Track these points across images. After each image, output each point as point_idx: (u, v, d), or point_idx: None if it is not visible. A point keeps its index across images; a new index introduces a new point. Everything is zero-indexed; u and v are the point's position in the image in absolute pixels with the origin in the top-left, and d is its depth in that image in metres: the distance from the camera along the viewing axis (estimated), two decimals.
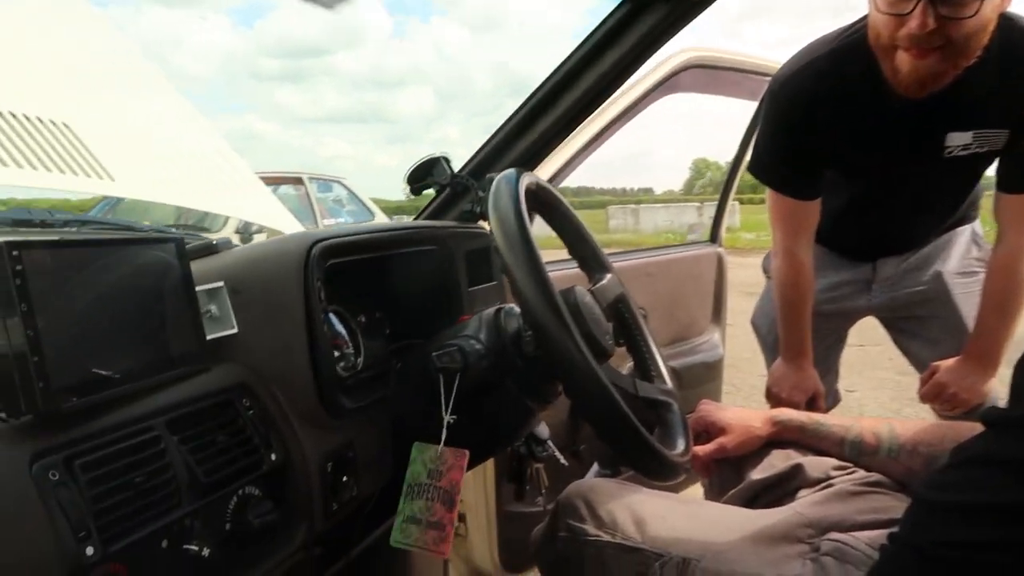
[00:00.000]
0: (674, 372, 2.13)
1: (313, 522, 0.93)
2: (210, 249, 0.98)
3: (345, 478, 0.99)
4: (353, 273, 1.21)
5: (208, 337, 0.89)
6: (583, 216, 1.23)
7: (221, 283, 0.92)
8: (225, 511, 0.81)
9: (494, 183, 0.99)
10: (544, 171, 1.78)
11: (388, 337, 1.31)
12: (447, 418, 0.99)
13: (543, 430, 1.27)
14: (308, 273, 0.93)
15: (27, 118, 1.19)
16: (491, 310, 1.10)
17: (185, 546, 0.74)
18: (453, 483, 1.01)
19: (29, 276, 0.65)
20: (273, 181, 7.49)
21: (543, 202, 1.13)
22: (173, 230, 1.19)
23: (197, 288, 0.90)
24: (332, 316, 1.22)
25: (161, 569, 0.73)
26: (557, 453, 1.28)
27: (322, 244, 0.96)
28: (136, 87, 1.62)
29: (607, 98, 1.37)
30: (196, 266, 0.97)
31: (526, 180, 1.03)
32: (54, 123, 1.24)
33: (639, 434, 0.89)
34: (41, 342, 0.65)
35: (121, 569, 0.68)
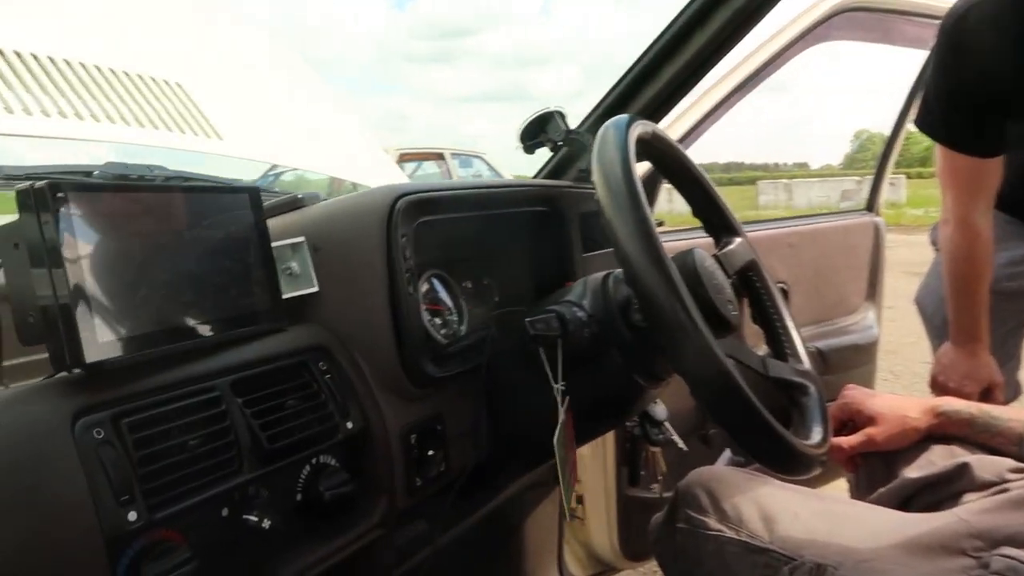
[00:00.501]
0: (819, 354, 1.93)
1: (394, 497, 0.86)
2: (295, 203, 0.93)
3: (431, 452, 0.91)
4: (458, 236, 1.14)
5: (286, 295, 0.84)
6: (731, 192, 1.10)
7: (302, 238, 0.86)
8: (296, 481, 0.76)
9: (601, 130, 0.88)
10: (674, 131, 1.63)
11: (496, 304, 1.23)
12: (557, 386, 0.89)
13: (660, 411, 1.15)
14: (391, 229, 0.86)
15: (140, 76, 1.20)
16: (599, 275, 0.99)
17: (244, 516, 0.69)
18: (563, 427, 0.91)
19: (76, 221, 0.61)
20: (417, 157, 7.66)
21: (660, 153, 1.00)
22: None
23: (277, 243, 0.85)
24: (435, 280, 1.15)
25: (223, 539, 0.68)
26: (675, 437, 1.16)
27: (408, 198, 0.88)
28: (257, 54, 1.62)
29: (740, 38, 1.21)
30: (280, 221, 0.92)
31: (639, 128, 0.90)
32: (167, 82, 1.24)
33: (761, 418, 0.76)
34: (87, 292, 0.61)
35: (175, 536, 0.64)
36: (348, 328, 0.86)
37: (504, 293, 1.25)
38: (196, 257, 0.72)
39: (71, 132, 1.00)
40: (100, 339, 0.62)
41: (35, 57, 1.05)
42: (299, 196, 0.93)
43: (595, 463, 1.62)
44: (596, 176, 0.82)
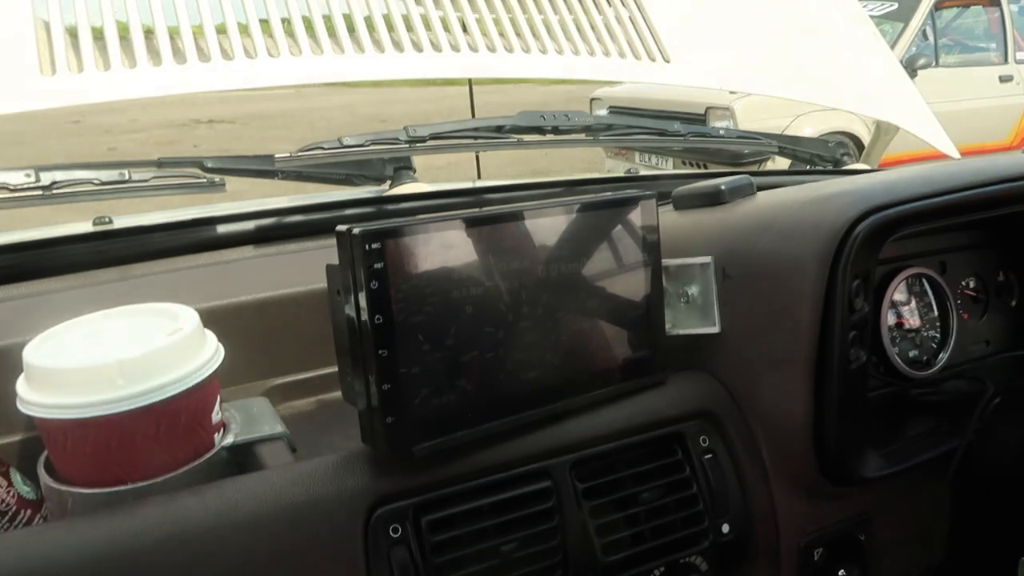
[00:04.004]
0: None
1: None
2: (714, 197, 0.68)
3: (842, 572, 0.66)
4: None
5: (674, 331, 0.64)
6: None
7: (709, 259, 0.64)
8: None
9: None
10: None
11: (1012, 316, 0.86)
12: None
13: None
14: (838, 270, 0.58)
15: None
16: None
17: None
18: None
19: (394, 272, 0.49)
20: (958, 2, 6.26)
21: None
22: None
23: (674, 261, 0.64)
24: (924, 281, 0.83)
25: None
26: None
27: (876, 219, 0.58)
28: None
29: None
30: (686, 219, 0.70)
31: None
32: None
33: None
34: (398, 363, 0.49)
35: None
36: (749, 391, 0.63)
37: None
38: (546, 295, 0.56)
39: (491, 69, 0.89)
40: (415, 414, 0.50)
41: None
42: (722, 188, 0.68)
43: None
44: None
